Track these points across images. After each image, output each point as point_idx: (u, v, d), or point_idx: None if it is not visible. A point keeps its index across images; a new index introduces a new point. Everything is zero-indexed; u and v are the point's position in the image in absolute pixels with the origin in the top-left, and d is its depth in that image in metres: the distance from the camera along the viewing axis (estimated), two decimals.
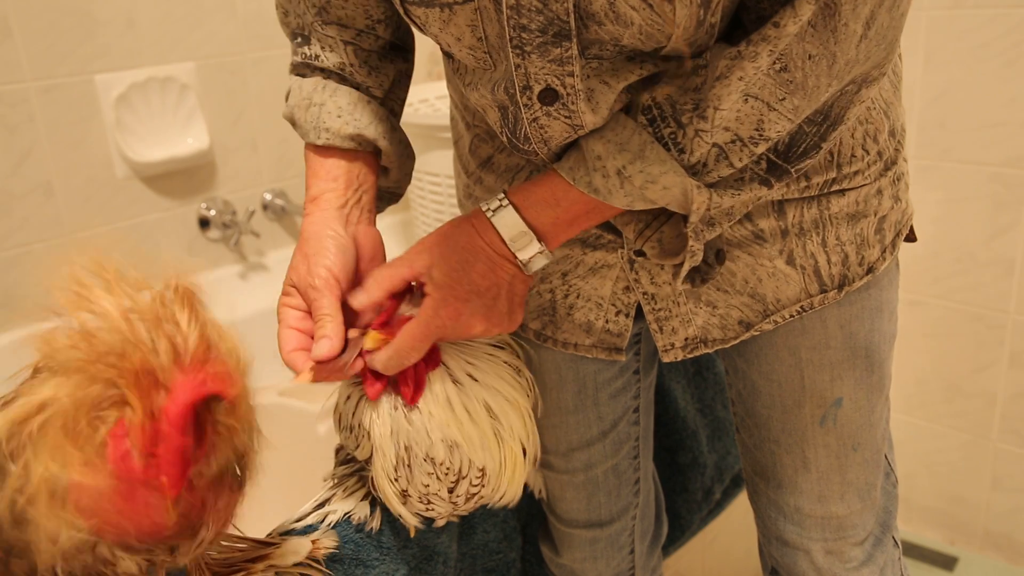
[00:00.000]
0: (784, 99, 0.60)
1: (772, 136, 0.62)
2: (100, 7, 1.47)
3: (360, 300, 0.71)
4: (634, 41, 0.59)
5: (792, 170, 0.66)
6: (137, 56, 1.53)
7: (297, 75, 0.80)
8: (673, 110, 0.62)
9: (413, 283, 0.73)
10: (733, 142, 0.62)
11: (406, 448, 0.76)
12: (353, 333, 0.74)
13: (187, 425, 0.51)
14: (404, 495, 0.78)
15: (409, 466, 0.76)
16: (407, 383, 0.74)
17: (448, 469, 0.77)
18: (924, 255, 1.68)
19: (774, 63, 0.58)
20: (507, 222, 0.69)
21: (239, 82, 1.67)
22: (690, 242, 0.67)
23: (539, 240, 0.69)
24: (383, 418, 0.75)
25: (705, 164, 0.63)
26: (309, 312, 0.73)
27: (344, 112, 0.76)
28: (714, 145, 0.63)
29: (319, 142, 0.76)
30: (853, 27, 0.58)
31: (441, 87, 1.74)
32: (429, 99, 1.71)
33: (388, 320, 0.71)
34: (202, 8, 1.59)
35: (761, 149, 0.63)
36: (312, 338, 0.73)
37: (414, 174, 1.66)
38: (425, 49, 1.91)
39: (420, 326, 0.70)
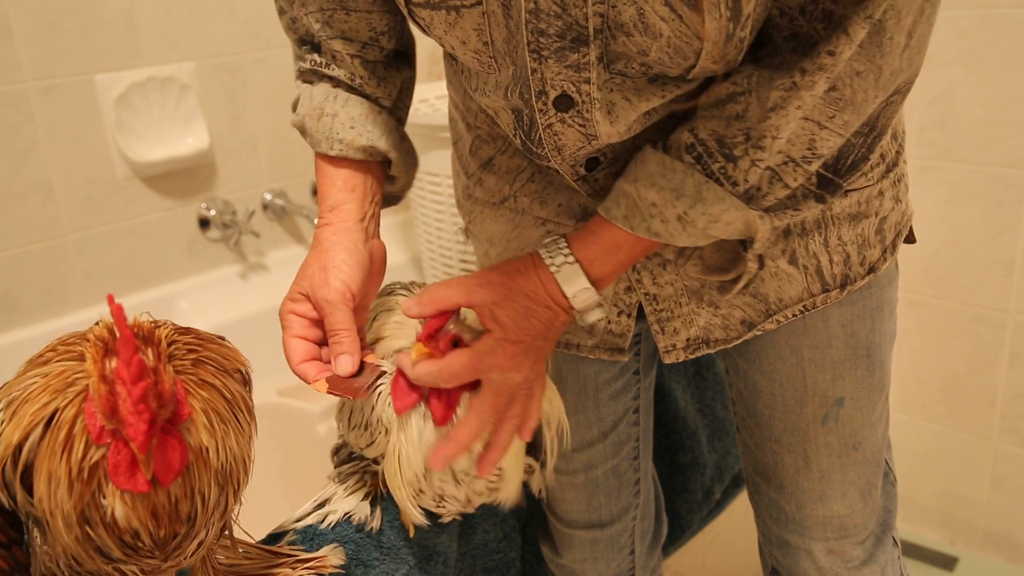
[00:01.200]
0: (834, 116, 0.60)
1: (824, 153, 0.62)
2: (100, 7, 1.47)
3: (411, 310, 0.71)
4: (662, 55, 0.59)
5: (843, 183, 0.66)
6: (137, 56, 1.53)
7: (305, 82, 0.80)
8: (720, 145, 0.61)
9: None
10: (786, 163, 0.62)
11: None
12: (371, 358, 0.75)
13: (139, 375, 0.53)
14: (419, 494, 0.79)
15: (429, 470, 0.77)
16: (440, 403, 0.74)
17: (468, 474, 0.77)
18: (924, 255, 1.68)
19: (825, 85, 0.58)
20: (571, 280, 0.69)
21: (239, 82, 1.67)
22: (749, 264, 0.67)
23: (596, 289, 0.69)
24: (412, 428, 0.75)
25: (759, 188, 0.63)
26: (316, 321, 0.74)
27: (356, 123, 0.76)
28: (767, 168, 0.62)
29: (332, 153, 0.76)
30: (898, 39, 0.58)
31: (441, 87, 1.73)
32: (429, 99, 1.71)
33: (433, 334, 0.71)
34: (202, 8, 1.59)
35: (815, 167, 0.63)
36: (318, 346, 0.74)
37: None
38: (425, 49, 1.91)
39: (474, 359, 0.69)
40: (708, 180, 0.62)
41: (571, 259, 0.69)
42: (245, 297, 1.69)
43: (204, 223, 1.67)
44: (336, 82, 0.78)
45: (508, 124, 0.71)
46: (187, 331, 0.63)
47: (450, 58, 0.83)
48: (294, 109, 0.80)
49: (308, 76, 0.79)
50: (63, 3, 1.42)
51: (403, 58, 0.81)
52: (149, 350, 0.56)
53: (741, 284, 0.70)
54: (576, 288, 0.69)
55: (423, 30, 0.66)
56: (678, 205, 0.63)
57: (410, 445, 0.76)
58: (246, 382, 0.66)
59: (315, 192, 1.85)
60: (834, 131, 0.61)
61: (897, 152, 0.78)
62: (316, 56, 0.78)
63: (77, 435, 0.55)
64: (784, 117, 0.59)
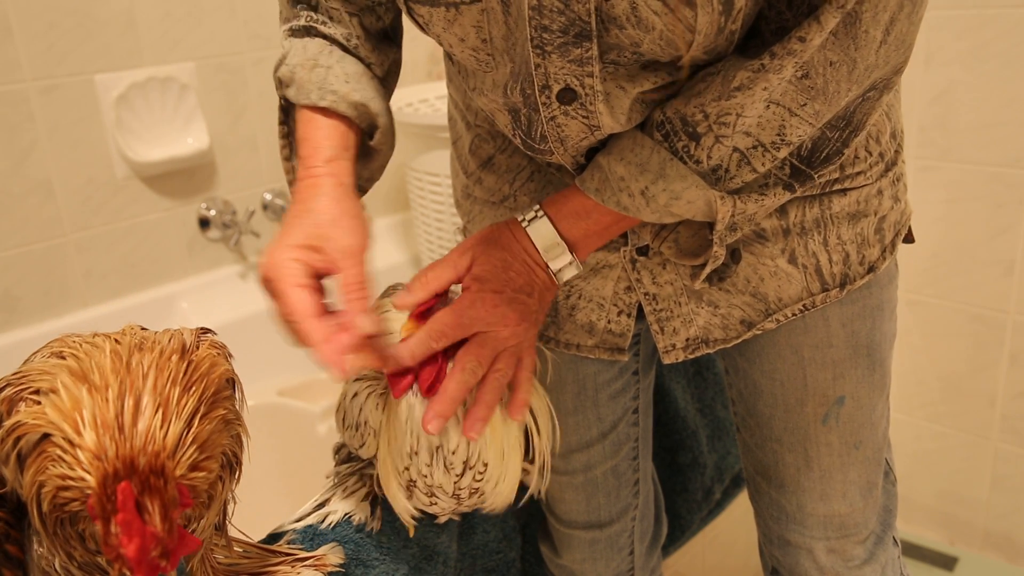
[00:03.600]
0: (805, 105, 0.61)
1: (794, 140, 0.63)
2: (100, 7, 1.46)
3: (405, 301, 0.71)
4: (654, 47, 0.59)
5: (815, 175, 0.67)
6: (137, 56, 1.53)
7: (297, 37, 0.77)
8: (684, 123, 0.63)
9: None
10: (755, 147, 0.63)
11: (418, 437, 0.76)
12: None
13: (141, 556, 0.50)
14: (410, 486, 0.79)
15: (417, 453, 0.76)
16: (429, 371, 0.73)
17: (455, 456, 0.77)
18: (924, 255, 1.68)
19: (796, 71, 0.59)
20: (541, 232, 0.70)
21: (239, 82, 1.67)
22: (715, 247, 0.68)
23: (570, 251, 0.70)
24: (400, 407, 0.75)
25: (727, 170, 0.64)
26: (316, 274, 0.68)
27: (351, 79, 0.74)
28: (735, 150, 0.63)
29: (322, 103, 0.73)
30: (873, 33, 0.58)
31: (441, 87, 1.73)
32: (429, 99, 1.71)
33: (425, 312, 0.71)
34: (202, 8, 1.59)
35: (783, 153, 0.64)
36: (322, 303, 0.67)
37: (413, 173, 1.66)
38: (425, 49, 1.91)
39: (454, 315, 0.69)
40: (673, 158, 0.63)
41: (540, 213, 0.70)
42: (245, 297, 1.69)
43: (204, 223, 1.67)
44: (332, 40, 0.76)
45: (506, 125, 0.71)
46: (181, 369, 0.58)
47: (450, 57, 0.83)
48: (277, 67, 0.77)
49: (300, 33, 0.77)
50: (63, 3, 1.42)
51: (393, 41, 0.81)
52: (156, 506, 0.51)
53: (707, 270, 0.71)
54: (547, 242, 0.70)
55: (421, 27, 0.66)
56: (641, 180, 0.64)
57: (399, 428, 0.76)
58: (234, 386, 0.64)
59: None
60: (804, 119, 0.62)
61: (896, 151, 0.78)
62: (312, 13, 0.76)
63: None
64: (750, 97, 0.60)
